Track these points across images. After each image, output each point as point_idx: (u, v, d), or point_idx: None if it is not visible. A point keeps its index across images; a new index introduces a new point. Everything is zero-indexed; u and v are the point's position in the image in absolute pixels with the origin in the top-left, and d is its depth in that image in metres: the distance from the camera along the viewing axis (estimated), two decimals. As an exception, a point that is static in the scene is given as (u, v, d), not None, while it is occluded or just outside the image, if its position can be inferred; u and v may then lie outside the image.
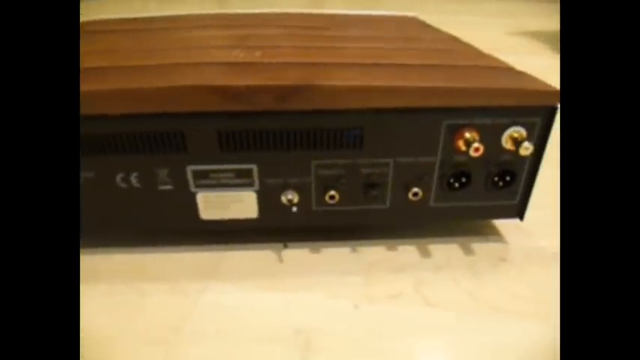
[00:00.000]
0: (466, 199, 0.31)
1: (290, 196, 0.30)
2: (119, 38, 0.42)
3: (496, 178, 0.30)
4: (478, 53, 0.37)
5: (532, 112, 0.28)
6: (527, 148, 0.27)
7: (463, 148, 0.28)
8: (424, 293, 0.29)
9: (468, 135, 0.28)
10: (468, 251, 0.33)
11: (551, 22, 1.25)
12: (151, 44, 0.38)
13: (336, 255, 0.32)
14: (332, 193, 0.29)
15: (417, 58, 0.34)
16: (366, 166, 0.29)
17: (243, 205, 0.30)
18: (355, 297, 0.28)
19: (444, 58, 0.34)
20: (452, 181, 0.30)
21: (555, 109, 0.28)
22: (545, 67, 0.46)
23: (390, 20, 0.55)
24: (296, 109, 0.26)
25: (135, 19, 0.53)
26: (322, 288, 0.29)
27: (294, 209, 0.29)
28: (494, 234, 0.35)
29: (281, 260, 0.32)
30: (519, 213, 0.32)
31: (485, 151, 0.28)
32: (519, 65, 0.33)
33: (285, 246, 0.33)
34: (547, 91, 0.27)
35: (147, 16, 0.56)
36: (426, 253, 0.32)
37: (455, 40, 0.43)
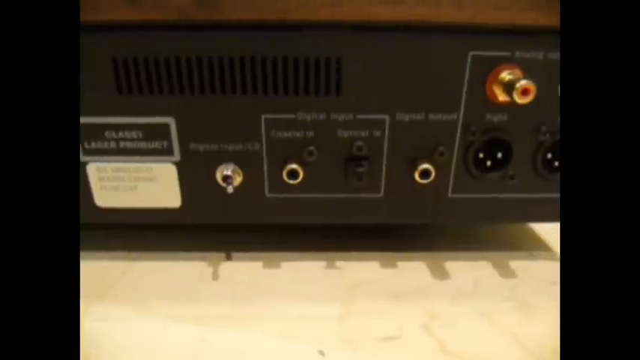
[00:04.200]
0: (503, 189, 0.20)
1: (228, 172, 0.19)
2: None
3: (550, 155, 0.20)
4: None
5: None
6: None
7: (500, 97, 0.18)
8: (439, 335, 0.17)
9: (507, 75, 0.17)
10: (505, 271, 0.21)
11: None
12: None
13: (302, 271, 0.21)
14: (293, 167, 0.19)
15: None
16: (347, 124, 0.19)
17: (156, 185, 0.20)
18: (324, 338, 0.17)
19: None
20: (481, 155, 0.20)
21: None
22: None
23: None
24: (233, 19, 0.16)
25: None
26: (272, 322, 0.18)
27: (230, 189, 0.19)
28: (540, 248, 0.24)
29: (216, 277, 0.21)
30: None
31: (537, 100, 0.17)
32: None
33: (229, 257, 0.22)
34: None
35: None
36: (440, 273, 0.21)
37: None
